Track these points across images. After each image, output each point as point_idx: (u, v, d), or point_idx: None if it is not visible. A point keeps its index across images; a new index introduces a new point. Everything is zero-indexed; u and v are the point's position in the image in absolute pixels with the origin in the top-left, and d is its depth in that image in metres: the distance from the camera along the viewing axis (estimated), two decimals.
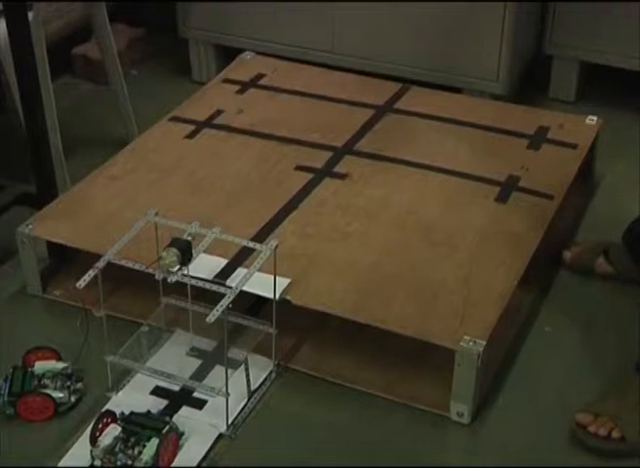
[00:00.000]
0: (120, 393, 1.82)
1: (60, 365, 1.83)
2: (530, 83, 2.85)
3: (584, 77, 2.82)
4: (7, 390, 1.78)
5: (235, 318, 1.84)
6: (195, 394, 1.81)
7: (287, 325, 1.87)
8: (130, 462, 1.66)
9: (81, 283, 1.69)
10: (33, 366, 1.82)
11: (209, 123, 2.38)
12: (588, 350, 1.96)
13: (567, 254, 2.16)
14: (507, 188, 2.15)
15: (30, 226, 2.02)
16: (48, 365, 1.82)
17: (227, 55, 2.85)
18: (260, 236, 1.98)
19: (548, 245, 2.08)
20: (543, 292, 2.10)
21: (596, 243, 2.16)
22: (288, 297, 1.83)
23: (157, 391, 1.82)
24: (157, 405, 1.78)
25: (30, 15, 2.08)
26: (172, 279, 1.70)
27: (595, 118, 2.41)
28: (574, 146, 2.31)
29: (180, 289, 1.80)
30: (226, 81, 2.58)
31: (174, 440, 1.70)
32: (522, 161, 2.24)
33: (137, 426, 1.70)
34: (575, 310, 2.06)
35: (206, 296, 1.80)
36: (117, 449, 1.67)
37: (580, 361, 1.93)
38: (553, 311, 2.05)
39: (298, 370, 1.88)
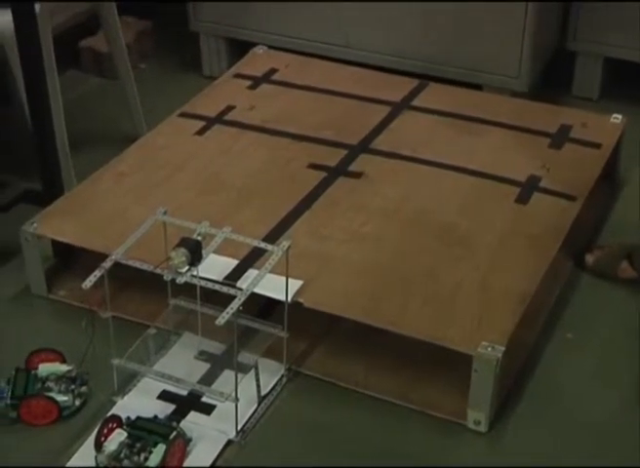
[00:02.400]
0: (126, 397, 1.80)
1: (65, 367, 1.81)
2: (552, 80, 2.82)
3: (609, 74, 2.79)
4: (10, 393, 1.76)
5: (245, 321, 1.83)
6: (203, 399, 1.79)
7: (298, 328, 1.84)
8: None
9: (87, 283, 1.67)
10: (37, 368, 1.81)
11: (220, 119, 2.36)
12: (611, 357, 1.93)
13: (589, 258, 2.14)
14: (528, 189, 2.12)
15: (35, 224, 2.00)
16: (52, 367, 1.81)
17: (239, 49, 2.84)
18: (272, 236, 1.95)
19: (570, 248, 2.07)
20: (565, 296, 2.08)
21: (620, 246, 2.13)
22: (300, 300, 1.81)
23: (164, 395, 1.81)
24: (164, 409, 1.77)
25: (37, 7, 2.06)
26: (180, 280, 1.68)
27: (620, 116, 2.39)
28: (597, 146, 2.28)
29: (188, 290, 1.78)
30: (238, 76, 2.56)
31: (181, 446, 1.68)
32: (543, 160, 2.22)
33: (143, 431, 1.69)
34: (597, 316, 2.03)
35: (215, 298, 1.78)
36: (122, 455, 1.65)
37: (602, 368, 1.91)
38: (575, 317, 2.03)
39: (309, 375, 1.86)
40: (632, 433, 1.75)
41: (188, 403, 1.79)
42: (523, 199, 2.09)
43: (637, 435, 1.74)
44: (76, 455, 1.68)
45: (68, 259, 2.09)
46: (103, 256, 1.73)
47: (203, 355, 1.88)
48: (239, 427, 1.74)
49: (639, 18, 2.59)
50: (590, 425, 1.76)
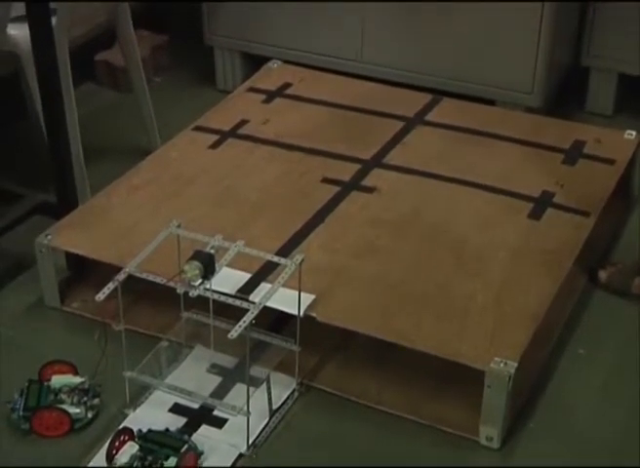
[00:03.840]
0: (138, 410, 1.80)
1: (77, 379, 1.81)
2: (566, 95, 2.82)
3: (623, 90, 2.78)
4: (22, 404, 1.76)
5: (257, 334, 1.82)
6: (215, 412, 1.79)
7: (311, 342, 1.84)
8: None
9: (100, 295, 1.67)
10: (50, 380, 1.81)
11: (233, 133, 2.37)
12: (623, 374, 1.91)
13: (603, 274, 2.12)
14: (542, 204, 2.12)
15: (49, 236, 2.00)
16: (65, 379, 1.81)
17: (253, 63, 2.85)
18: (285, 250, 1.95)
19: (583, 264, 2.06)
20: (578, 312, 2.06)
21: (633, 263, 2.13)
22: (312, 314, 1.80)
23: (176, 408, 1.80)
24: (176, 423, 1.76)
25: (54, 20, 2.06)
26: (193, 293, 1.68)
27: (634, 133, 2.38)
28: (611, 162, 2.28)
29: (201, 303, 1.78)
30: (252, 90, 2.56)
31: (192, 459, 1.67)
32: (557, 176, 2.21)
33: (154, 444, 1.68)
34: (610, 332, 2.02)
35: (228, 312, 1.77)
36: None
37: (614, 384, 1.89)
38: (588, 333, 2.02)
39: (321, 390, 1.85)
40: None
41: (200, 416, 1.78)
42: (536, 215, 2.08)
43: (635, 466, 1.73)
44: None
45: (82, 272, 2.09)
46: (117, 269, 1.73)
47: (215, 368, 1.88)
48: (250, 441, 1.73)
49: None
50: (602, 441, 1.75)
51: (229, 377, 1.85)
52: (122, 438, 1.68)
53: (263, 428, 1.77)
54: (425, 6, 2.62)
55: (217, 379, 1.85)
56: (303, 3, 2.74)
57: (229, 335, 1.59)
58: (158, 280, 1.71)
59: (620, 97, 2.78)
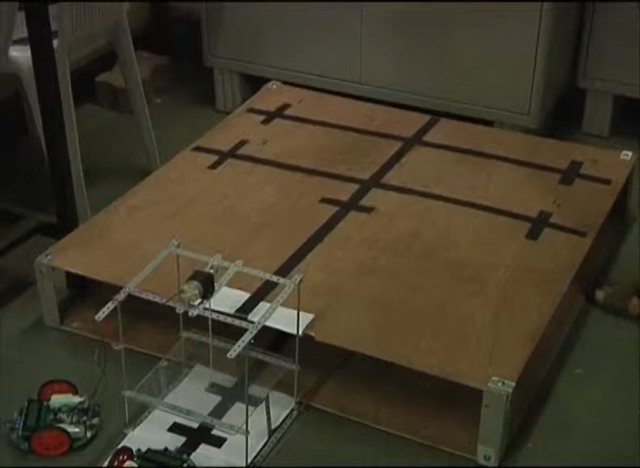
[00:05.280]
0: (137, 429, 1.79)
1: (77, 399, 1.81)
2: (562, 117, 2.83)
3: (619, 111, 2.79)
4: (22, 424, 1.76)
5: (256, 354, 1.83)
6: (214, 431, 1.78)
7: (309, 361, 1.84)
8: None
9: (100, 315, 1.68)
10: (49, 399, 1.80)
11: (233, 153, 2.37)
12: (621, 394, 1.91)
13: (600, 294, 2.13)
14: (539, 224, 2.12)
15: (49, 256, 2.00)
16: (64, 399, 1.81)
17: (253, 84, 2.86)
18: (284, 270, 1.95)
19: (580, 283, 2.06)
20: (575, 332, 2.07)
21: (630, 283, 2.13)
22: (311, 333, 1.80)
23: (175, 428, 1.80)
24: (175, 442, 1.76)
25: (55, 42, 2.07)
26: (193, 313, 1.68)
27: (630, 153, 2.39)
28: (607, 182, 2.28)
29: (200, 323, 1.78)
30: (251, 111, 2.57)
31: None
32: (554, 196, 2.22)
33: (153, 464, 1.68)
34: (607, 352, 2.02)
35: (227, 331, 1.77)
36: None
37: (612, 404, 1.89)
38: (585, 352, 2.01)
39: (320, 409, 1.85)
40: None
41: (199, 435, 1.78)
42: (534, 235, 2.09)
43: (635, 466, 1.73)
44: None
45: (82, 291, 2.09)
46: (117, 289, 1.73)
47: (214, 387, 1.88)
48: (249, 460, 1.73)
49: None
50: (601, 460, 1.74)
51: (228, 397, 1.85)
52: (121, 457, 1.68)
53: (262, 447, 1.76)
54: (424, 28, 2.63)
55: (216, 399, 1.85)
56: (302, 24, 2.75)
57: (228, 355, 1.59)
58: (157, 299, 1.72)
59: (616, 118, 2.79)
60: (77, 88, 2.33)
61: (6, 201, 2.42)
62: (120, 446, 1.72)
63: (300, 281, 1.74)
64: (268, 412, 1.78)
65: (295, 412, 1.84)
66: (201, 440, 1.77)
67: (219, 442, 1.77)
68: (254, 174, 2.30)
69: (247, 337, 1.63)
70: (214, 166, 2.32)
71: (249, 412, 1.68)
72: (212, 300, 1.70)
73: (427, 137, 2.45)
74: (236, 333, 1.66)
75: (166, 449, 1.72)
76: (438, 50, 2.65)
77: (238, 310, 1.82)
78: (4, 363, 1.95)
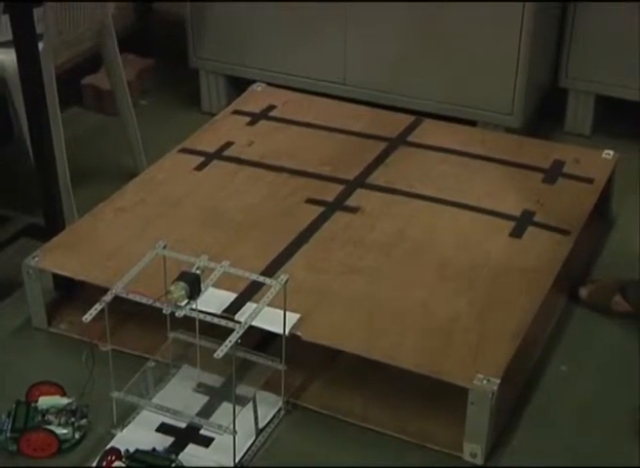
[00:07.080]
0: (125, 430, 1.80)
1: (65, 400, 1.81)
2: (545, 116, 2.84)
3: (600, 111, 2.80)
4: (10, 426, 1.76)
5: (243, 354, 1.83)
6: (202, 431, 1.79)
7: (296, 361, 1.85)
8: None
9: (87, 317, 1.68)
10: (37, 401, 1.81)
11: (219, 155, 2.38)
12: (605, 390, 1.93)
13: (583, 291, 2.14)
14: (522, 223, 2.13)
15: (37, 258, 2.00)
16: (52, 400, 1.81)
17: (238, 86, 2.86)
18: (270, 270, 1.96)
19: (564, 281, 2.07)
20: (559, 329, 2.08)
21: (613, 280, 2.14)
22: (298, 333, 1.81)
23: (163, 428, 1.80)
24: (163, 442, 1.76)
25: (40, 45, 2.07)
26: (180, 313, 1.68)
27: (612, 152, 2.41)
28: (590, 181, 2.30)
29: (187, 323, 1.78)
30: (237, 112, 2.58)
31: None
32: (537, 195, 2.23)
33: (142, 464, 1.68)
34: (591, 349, 2.03)
35: (214, 331, 1.78)
36: None
37: (596, 401, 1.90)
38: (569, 349, 2.03)
39: (307, 408, 1.86)
40: (628, 464, 1.75)
41: (187, 435, 1.78)
42: (518, 233, 2.10)
43: (634, 466, 1.75)
44: None
45: (69, 293, 2.09)
46: (104, 290, 1.73)
47: (201, 387, 1.88)
48: (237, 459, 1.73)
49: (628, 56, 2.62)
50: (585, 457, 1.75)
51: (216, 397, 1.85)
52: (110, 458, 1.68)
53: (250, 447, 1.77)
54: (407, 29, 2.64)
55: (203, 399, 1.85)
56: (287, 26, 2.76)
57: (215, 355, 1.60)
58: (145, 300, 1.72)
59: (598, 117, 2.80)
60: (63, 90, 2.33)
61: None
62: (108, 446, 1.73)
63: (287, 281, 1.75)
64: (256, 412, 1.78)
65: (282, 412, 1.85)
66: (189, 440, 1.77)
67: (206, 441, 1.77)
68: (240, 175, 2.30)
69: (234, 337, 1.64)
70: (200, 167, 2.33)
71: (236, 412, 1.69)
72: (199, 301, 1.70)
73: (412, 138, 2.46)
74: (223, 334, 1.66)
75: (154, 450, 1.72)
76: (422, 51, 2.66)
77: (225, 310, 1.83)
78: None
